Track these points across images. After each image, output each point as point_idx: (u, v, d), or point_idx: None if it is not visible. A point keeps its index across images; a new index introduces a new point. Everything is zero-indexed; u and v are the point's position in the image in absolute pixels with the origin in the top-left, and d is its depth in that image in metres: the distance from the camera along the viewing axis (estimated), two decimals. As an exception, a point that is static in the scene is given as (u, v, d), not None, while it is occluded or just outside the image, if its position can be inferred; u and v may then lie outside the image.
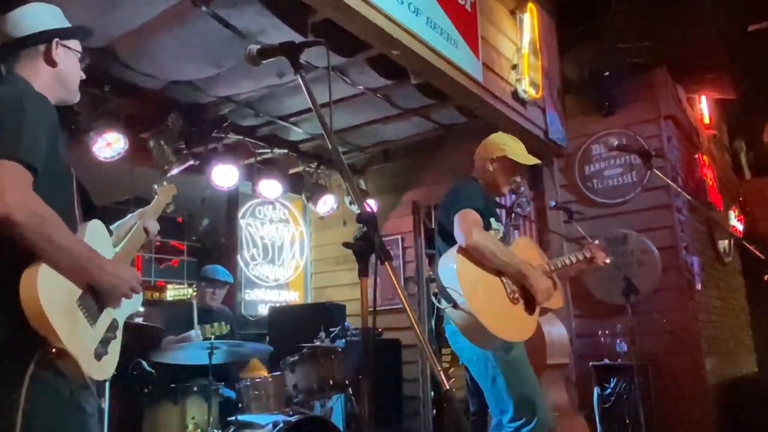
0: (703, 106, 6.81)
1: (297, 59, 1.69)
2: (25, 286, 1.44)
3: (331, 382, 3.71)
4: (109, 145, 4.05)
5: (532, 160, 3.08)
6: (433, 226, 5.16)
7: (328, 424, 3.63)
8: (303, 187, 5.87)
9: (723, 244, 6.66)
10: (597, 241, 3.40)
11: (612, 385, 4.62)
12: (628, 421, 4.28)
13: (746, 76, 6.20)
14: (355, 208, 5.41)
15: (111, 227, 2.00)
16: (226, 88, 4.45)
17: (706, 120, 6.81)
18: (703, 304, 5.40)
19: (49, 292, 1.46)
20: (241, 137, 5.17)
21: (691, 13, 5.23)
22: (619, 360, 4.73)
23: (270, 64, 1.77)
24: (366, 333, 1.57)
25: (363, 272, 1.47)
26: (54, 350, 1.45)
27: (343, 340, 4.19)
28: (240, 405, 3.66)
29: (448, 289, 2.66)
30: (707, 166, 6.33)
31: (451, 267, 2.67)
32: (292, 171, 6.03)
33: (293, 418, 3.36)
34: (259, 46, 1.76)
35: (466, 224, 2.68)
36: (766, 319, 7.49)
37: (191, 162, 4.74)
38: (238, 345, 3.78)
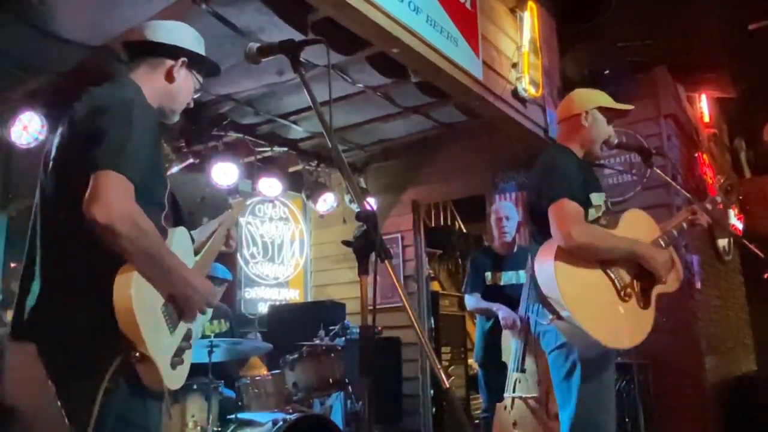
0: (703, 105, 6.80)
1: (297, 57, 1.69)
2: (119, 288, 1.47)
3: (330, 381, 3.72)
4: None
5: (627, 106, 2.70)
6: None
7: (327, 422, 3.63)
8: (303, 186, 5.87)
9: (723, 242, 6.66)
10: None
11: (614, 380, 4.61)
12: (627, 420, 4.28)
13: (746, 75, 6.20)
14: (355, 207, 5.40)
15: (196, 231, 2.06)
16: (226, 87, 4.44)
17: (706, 119, 6.80)
18: (702, 302, 5.41)
19: (140, 297, 1.49)
20: (241, 135, 5.17)
21: (691, 12, 5.22)
22: (619, 358, 4.71)
23: (270, 63, 1.76)
24: (366, 331, 1.57)
25: (363, 270, 1.47)
26: (137, 354, 1.47)
27: (343, 338, 4.19)
28: (240, 403, 3.66)
29: (549, 299, 2.34)
30: (707, 165, 6.33)
31: (549, 274, 2.32)
32: (292, 169, 6.03)
33: (293, 416, 3.36)
34: (258, 45, 1.76)
35: (563, 221, 2.32)
36: (766, 317, 7.49)
37: (191, 160, 4.75)
38: (237, 343, 3.79)
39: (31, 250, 1.65)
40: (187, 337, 1.74)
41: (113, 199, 1.46)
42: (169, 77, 1.86)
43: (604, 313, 2.34)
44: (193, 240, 1.94)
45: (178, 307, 1.67)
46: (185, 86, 1.91)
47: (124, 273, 1.49)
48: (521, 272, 4.17)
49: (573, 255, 2.32)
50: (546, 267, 2.34)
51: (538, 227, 2.49)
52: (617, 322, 2.36)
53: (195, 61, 1.93)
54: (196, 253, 1.95)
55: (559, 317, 2.32)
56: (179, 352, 1.67)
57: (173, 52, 1.87)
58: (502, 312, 3.97)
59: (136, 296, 1.48)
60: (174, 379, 1.63)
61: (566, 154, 2.58)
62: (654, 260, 2.42)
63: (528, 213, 2.63)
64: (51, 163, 1.66)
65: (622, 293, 2.40)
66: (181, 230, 1.82)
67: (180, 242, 1.77)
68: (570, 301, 2.25)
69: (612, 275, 2.40)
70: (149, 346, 1.48)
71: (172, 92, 1.88)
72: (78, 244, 1.52)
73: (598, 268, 2.39)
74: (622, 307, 2.39)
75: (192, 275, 1.69)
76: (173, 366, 1.63)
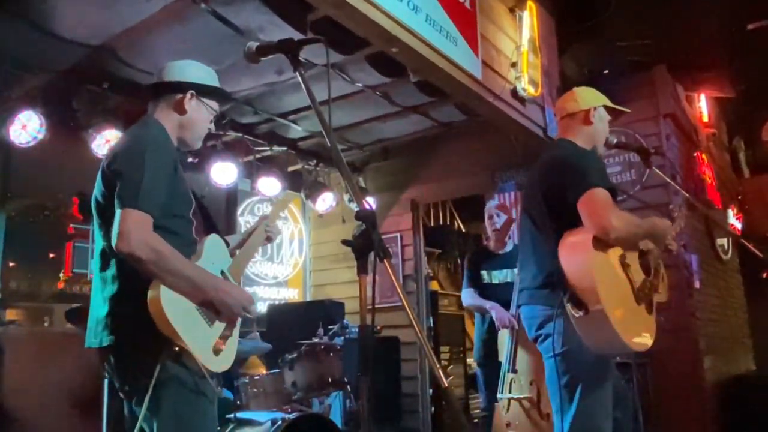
0: (702, 105, 6.81)
1: (296, 57, 1.69)
2: (152, 298, 1.77)
3: (329, 380, 3.71)
4: (108, 142, 4.04)
5: (624, 108, 2.75)
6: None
7: (326, 421, 3.63)
8: (302, 185, 5.87)
9: (721, 242, 6.67)
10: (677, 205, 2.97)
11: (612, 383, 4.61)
12: (626, 419, 4.28)
13: (745, 75, 6.20)
14: (354, 206, 5.41)
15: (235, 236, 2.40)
16: (225, 86, 4.34)
17: (705, 118, 6.81)
18: (701, 302, 5.41)
19: (171, 302, 1.79)
20: (240, 135, 5.17)
21: (690, 12, 5.23)
22: (618, 358, 4.72)
23: (269, 62, 1.77)
24: (365, 330, 1.57)
25: (362, 270, 1.47)
26: (177, 348, 1.78)
27: (342, 337, 4.19)
28: (238, 402, 3.66)
29: (581, 291, 2.23)
30: (706, 165, 6.33)
31: (585, 265, 2.23)
32: (291, 168, 6.02)
33: (292, 416, 3.36)
34: (258, 44, 1.76)
35: (600, 211, 2.23)
36: (765, 317, 7.50)
37: (190, 159, 4.74)
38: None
39: (96, 266, 1.97)
40: (229, 327, 1.99)
41: (131, 232, 1.76)
42: (181, 109, 2.09)
43: (628, 314, 2.31)
44: (228, 244, 2.20)
45: (213, 308, 1.92)
46: (199, 115, 2.14)
47: (153, 288, 1.78)
48: (516, 270, 4.17)
49: (606, 247, 2.27)
50: (580, 257, 2.26)
51: (554, 223, 2.41)
52: (638, 324, 2.35)
53: (205, 92, 2.15)
54: (233, 255, 2.22)
55: (587, 312, 2.22)
56: (222, 340, 1.94)
57: (182, 87, 2.10)
58: (495, 312, 3.99)
59: (167, 304, 1.76)
60: (218, 363, 1.91)
61: (578, 147, 2.58)
62: (666, 234, 2.49)
63: (535, 210, 2.53)
64: (94, 203, 1.98)
65: (637, 294, 2.39)
66: (213, 238, 2.06)
67: (212, 249, 2.03)
68: (604, 295, 2.18)
69: (630, 275, 2.38)
70: (186, 341, 1.77)
71: (187, 123, 2.12)
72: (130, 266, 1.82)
73: (621, 267, 2.36)
74: (637, 310, 2.38)
75: (223, 282, 1.98)
76: (216, 353, 1.91)
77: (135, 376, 1.84)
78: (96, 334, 1.87)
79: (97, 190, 1.96)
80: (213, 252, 2.03)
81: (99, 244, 1.95)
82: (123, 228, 1.77)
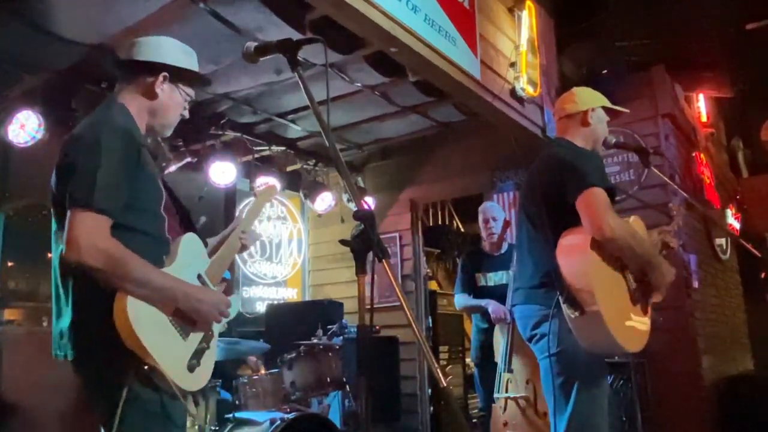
0: (701, 105, 6.81)
1: (295, 56, 1.69)
2: (118, 311, 1.57)
3: (328, 380, 3.72)
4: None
5: (623, 109, 2.76)
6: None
7: (325, 421, 3.63)
8: (301, 185, 5.86)
9: (720, 242, 6.67)
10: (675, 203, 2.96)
11: (609, 382, 4.62)
12: (624, 419, 4.29)
13: (744, 75, 6.21)
14: (352, 206, 5.40)
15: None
16: (224, 85, 4.44)
17: (704, 118, 6.81)
18: (700, 302, 5.41)
19: (140, 314, 1.59)
20: (238, 134, 5.16)
21: (689, 12, 5.23)
22: (616, 357, 4.73)
23: (268, 61, 1.76)
24: (363, 330, 1.57)
25: (361, 270, 1.47)
26: (146, 366, 1.59)
27: (341, 337, 4.19)
28: (237, 402, 3.66)
29: (578, 292, 2.22)
30: (705, 164, 6.34)
31: (582, 265, 2.23)
32: (289, 168, 6.02)
33: (291, 416, 3.36)
34: (256, 43, 1.76)
35: (598, 211, 2.22)
36: (763, 316, 7.51)
37: (189, 159, 4.74)
38: (235, 342, 3.78)
39: (55, 274, 1.74)
40: (207, 338, 1.80)
41: (81, 238, 1.55)
42: (151, 93, 1.87)
43: (623, 315, 2.31)
44: (205, 244, 1.97)
45: (187, 318, 1.73)
46: (171, 102, 1.92)
47: (119, 298, 1.58)
48: (511, 272, 4.18)
49: (603, 248, 2.26)
50: (578, 257, 2.25)
51: (552, 222, 2.40)
52: (632, 324, 2.35)
53: (176, 75, 1.90)
54: (212, 255, 1.99)
55: (583, 313, 2.20)
56: (197, 355, 1.75)
57: (154, 68, 1.87)
58: (492, 306, 4.00)
59: (135, 317, 1.57)
60: (191, 381, 1.73)
61: (577, 147, 2.57)
62: (664, 276, 2.42)
63: (533, 209, 2.52)
64: (51, 200, 1.74)
65: (632, 296, 2.39)
66: (189, 237, 1.85)
67: (188, 249, 1.82)
68: (600, 296, 2.18)
69: (627, 277, 2.38)
70: (157, 358, 1.59)
71: (158, 109, 1.89)
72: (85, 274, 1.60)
73: (618, 267, 2.35)
74: (632, 311, 2.37)
75: (193, 288, 1.76)
76: (191, 369, 1.72)
77: (99, 397, 1.67)
78: (60, 347, 1.69)
79: (53, 186, 1.73)
80: (189, 253, 1.82)
81: (59, 246, 1.71)
82: (72, 234, 1.56)
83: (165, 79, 1.88)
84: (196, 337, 1.77)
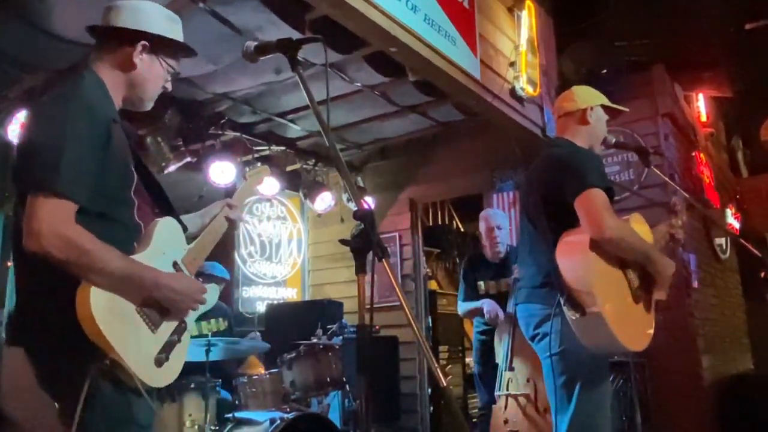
0: (701, 104, 6.81)
1: (294, 56, 1.68)
2: (80, 302, 1.46)
3: (328, 379, 3.72)
4: (106, 141, 4.04)
5: (623, 108, 2.74)
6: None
7: (325, 421, 3.63)
8: (300, 185, 5.86)
9: (720, 241, 6.67)
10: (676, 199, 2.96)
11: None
12: (624, 419, 4.28)
13: (744, 74, 6.21)
14: (352, 206, 5.40)
15: (198, 214, 1.97)
16: (224, 85, 4.44)
17: (704, 118, 6.81)
18: (699, 301, 5.42)
19: (103, 306, 1.48)
20: (238, 134, 5.15)
21: (688, 11, 5.23)
22: (616, 357, 4.73)
23: (267, 61, 1.76)
24: (363, 330, 1.57)
25: (360, 269, 1.47)
26: (108, 361, 1.48)
27: (341, 337, 4.19)
28: (237, 402, 3.66)
29: (578, 293, 2.22)
30: (704, 164, 6.34)
31: (582, 266, 2.23)
32: (289, 168, 6.01)
33: (290, 415, 3.36)
34: (256, 43, 1.75)
35: (596, 212, 2.22)
36: (763, 316, 7.50)
37: (188, 159, 4.73)
38: (235, 342, 3.78)
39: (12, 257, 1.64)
40: (179, 330, 1.68)
41: (41, 226, 1.44)
42: (129, 64, 1.72)
43: (625, 314, 2.30)
44: (185, 228, 1.84)
45: (158, 308, 1.61)
46: (150, 73, 1.77)
47: (82, 288, 1.48)
48: (510, 280, 4.17)
49: (602, 248, 2.25)
50: (578, 259, 2.25)
51: (552, 222, 2.40)
52: (635, 324, 2.35)
53: (157, 44, 1.75)
54: (196, 237, 1.88)
55: (584, 314, 2.20)
56: (166, 348, 1.62)
57: (133, 36, 1.72)
58: (486, 305, 4.03)
59: (98, 307, 1.46)
60: (159, 377, 1.60)
61: (577, 146, 2.56)
62: (665, 271, 2.41)
63: (533, 209, 2.51)
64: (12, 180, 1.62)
65: (635, 294, 2.38)
66: (166, 221, 1.73)
67: (163, 235, 1.69)
68: (601, 296, 2.17)
69: (628, 275, 2.37)
70: (120, 352, 1.47)
71: (136, 80, 1.75)
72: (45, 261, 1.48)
73: (619, 266, 2.34)
74: (635, 309, 2.36)
75: (164, 276, 1.62)
76: (158, 363, 1.59)
77: (57, 394, 1.55)
78: (9, 332, 1.57)
79: (14, 165, 1.59)
80: (164, 239, 1.68)
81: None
82: (32, 221, 1.44)
83: (144, 49, 1.73)
84: (167, 329, 1.64)
